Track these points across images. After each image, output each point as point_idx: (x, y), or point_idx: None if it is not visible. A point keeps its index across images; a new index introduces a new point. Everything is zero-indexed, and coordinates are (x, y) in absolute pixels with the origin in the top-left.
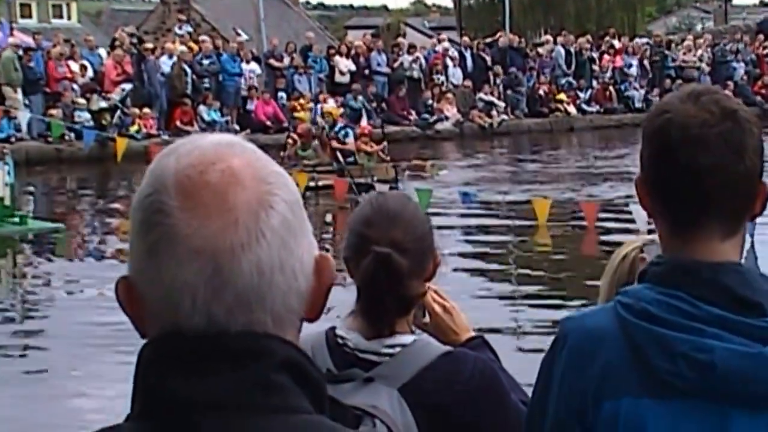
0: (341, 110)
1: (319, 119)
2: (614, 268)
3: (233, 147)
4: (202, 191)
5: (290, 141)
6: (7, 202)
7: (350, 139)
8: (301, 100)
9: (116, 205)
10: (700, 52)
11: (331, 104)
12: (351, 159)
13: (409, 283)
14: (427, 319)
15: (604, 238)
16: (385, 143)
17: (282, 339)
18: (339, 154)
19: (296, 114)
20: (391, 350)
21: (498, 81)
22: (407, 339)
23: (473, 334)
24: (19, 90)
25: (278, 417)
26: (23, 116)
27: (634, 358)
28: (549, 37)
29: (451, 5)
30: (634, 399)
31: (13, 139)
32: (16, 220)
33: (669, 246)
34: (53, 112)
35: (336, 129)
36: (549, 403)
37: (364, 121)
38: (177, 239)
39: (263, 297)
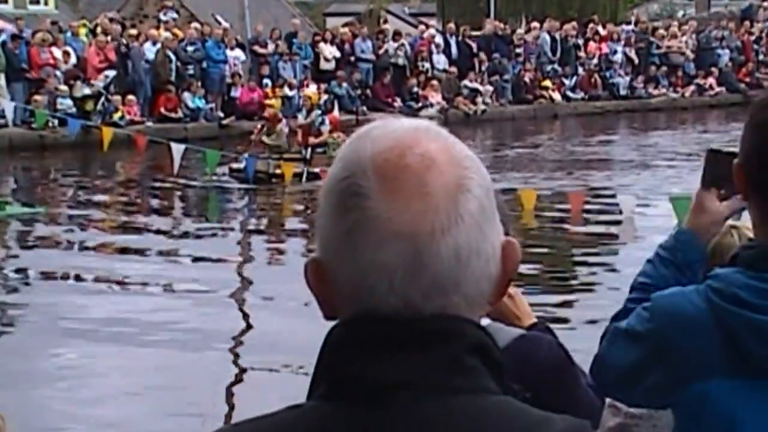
0: (324, 96)
1: (299, 116)
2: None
3: (429, 131)
4: (402, 175)
5: (257, 127)
6: None
7: (326, 128)
8: (276, 88)
9: (99, 196)
10: (685, 38)
11: (312, 89)
12: (322, 149)
13: None
14: None
15: (589, 228)
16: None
17: (473, 322)
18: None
19: (267, 101)
20: None
21: (483, 68)
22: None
23: (535, 320)
24: (2, 76)
25: (470, 397)
26: (7, 104)
27: (724, 341)
28: (536, 24)
29: None
30: (724, 381)
31: None
32: None
33: (762, 231)
34: (37, 98)
35: (314, 116)
36: (631, 371)
37: (336, 112)
38: (376, 222)
39: (459, 281)
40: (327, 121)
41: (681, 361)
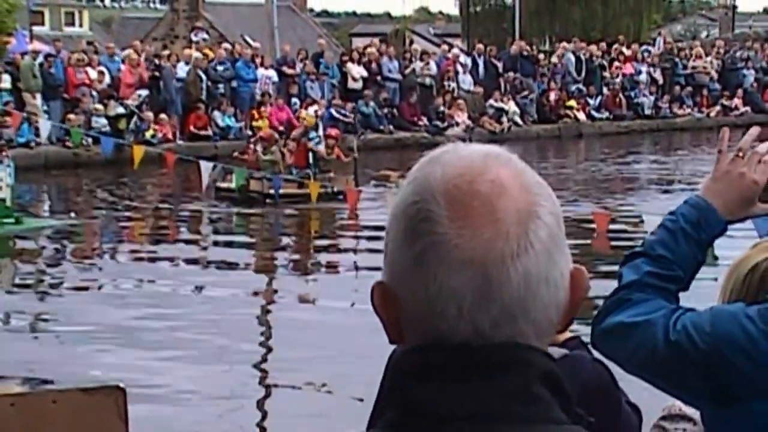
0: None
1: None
2: (741, 278)
3: (499, 157)
4: (473, 201)
5: (250, 147)
6: (8, 203)
7: (321, 147)
8: (262, 109)
9: (129, 212)
10: (710, 58)
11: (309, 112)
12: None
13: None
14: None
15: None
16: (355, 155)
17: (542, 351)
18: (311, 161)
19: (254, 123)
20: None
21: (508, 88)
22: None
23: (570, 334)
24: (39, 96)
25: (539, 427)
26: (43, 123)
27: None
28: (565, 44)
29: (456, 12)
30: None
31: (32, 144)
32: (12, 220)
33: None
34: (72, 117)
35: (310, 136)
36: (668, 368)
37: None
38: (447, 248)
39: (528, 308)
40: (322, 143)
41: (731, 382)
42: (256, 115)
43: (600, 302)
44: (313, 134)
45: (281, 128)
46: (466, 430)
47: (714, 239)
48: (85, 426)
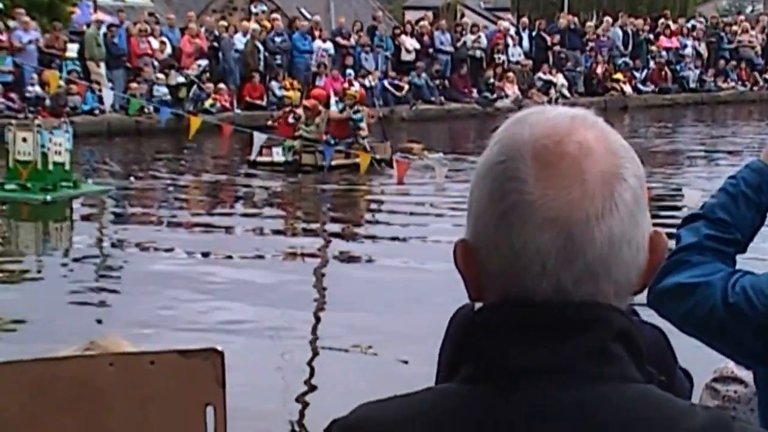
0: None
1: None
2: None
3: (586, 120)
4: (559, 161)
5: (287, 116)
6: (67, 167)
7: (363, 125)
8: (294, 82)
9: (184, 178)
10: (754, 33)
11: (356, 88)
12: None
13: None
14: None
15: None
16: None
17: (620, 310)
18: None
19: (286, 93)
20: None
21: (556, 61)
22: None
23: None
24: (102, 65)
25: (614, 385)
26: (106, 91)
27: None
28: (608, 18)
29: None
30: None
31: (96, 112)
32: (70, 183)
33: None
34: (134, 86)
35: (354, 110)
36: (723, 326)
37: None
38: (533, 207)
39: (610, 268)
40: (365, 121)
41: None
42: (288, 86)
43: None
44: (357, 110)
45: (336, 98)
46: (544, 385)
47: None
48: (183, 388)
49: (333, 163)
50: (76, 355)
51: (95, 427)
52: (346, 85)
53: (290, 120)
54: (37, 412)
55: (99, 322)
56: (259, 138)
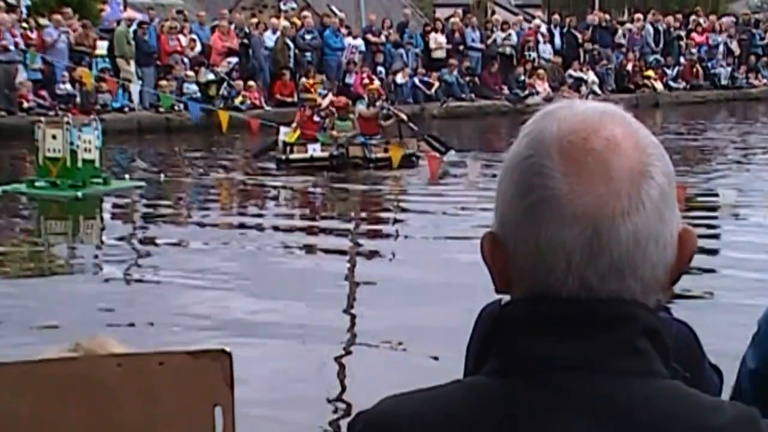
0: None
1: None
2: None
3: (615, 116)
4: (587, 157)
5: (306, 113)
6: (97, 164)
7: (391, 121)
8: (312, 80)
9: (216, 173)
10: None
11: (375, 84)
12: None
13: None
14: None
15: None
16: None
17: (647, 307)
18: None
19: (306, 95)
20: None
21: (587, 58)
22: None
23: None
24: (132, 62)
25: (640, 380)
26: (135, 88)
27: None
28: (639, 15)
29: None
30: None
31: (126, 109)
32: (100, 180)
33: None
34: (163, 83)
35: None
36: None
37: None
38: (559, 202)
39: (636, 266)
40: (392, 114)
41: None
42: (308, 85)
43: None
44: (382, 105)
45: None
46: (570, 381)
47: None
48: (191, 389)
49: (376, 155)
50: (84, 356)
51: (103, 428)
52: (366, 81)
53: (315, 118)
54: (46, 412)
55: (131, 324)
56: (284, 132)
